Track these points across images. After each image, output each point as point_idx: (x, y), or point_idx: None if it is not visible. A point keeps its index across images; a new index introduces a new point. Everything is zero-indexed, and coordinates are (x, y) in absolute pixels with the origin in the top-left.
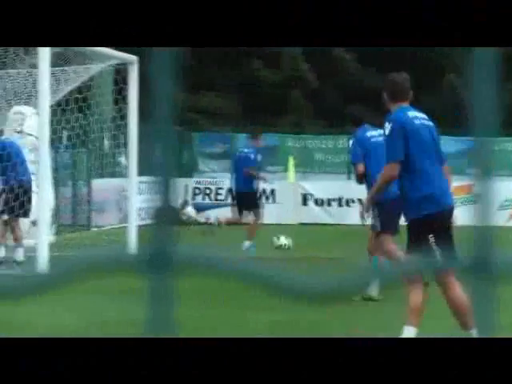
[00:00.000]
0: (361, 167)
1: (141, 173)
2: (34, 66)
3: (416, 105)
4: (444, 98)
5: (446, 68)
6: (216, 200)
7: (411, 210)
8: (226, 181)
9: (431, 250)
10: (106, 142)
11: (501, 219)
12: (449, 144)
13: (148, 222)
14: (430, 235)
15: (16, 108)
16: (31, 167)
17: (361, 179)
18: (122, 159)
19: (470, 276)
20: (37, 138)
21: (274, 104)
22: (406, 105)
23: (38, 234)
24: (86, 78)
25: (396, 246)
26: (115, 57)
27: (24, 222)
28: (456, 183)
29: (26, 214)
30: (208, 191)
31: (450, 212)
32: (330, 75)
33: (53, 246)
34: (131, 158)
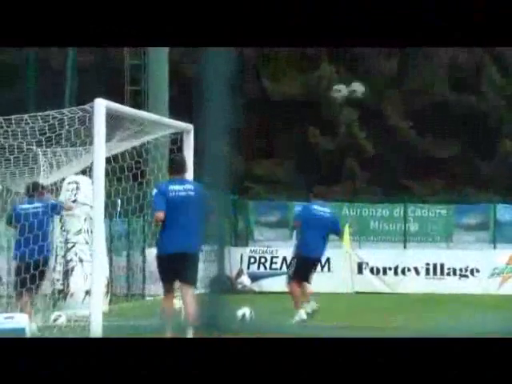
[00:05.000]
0: None
1: None
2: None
3: (472, 170)
4: (500, 164)
5: (502, 133)
6: (271, 269)
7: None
8: (280, 249)
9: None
10: None
11: None
12: (504, 211)
13: (202, 290)
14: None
15: (70, 177)
16: (86, 236)
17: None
18: None
19: None
20: (91, 207)
21: (329, 172)
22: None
23: (92, 303)
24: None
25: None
26: (171, 126)
27: (79, 292)
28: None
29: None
30: (263, 260)
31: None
32: (386, 143)
33: (106, 316)
34: None
